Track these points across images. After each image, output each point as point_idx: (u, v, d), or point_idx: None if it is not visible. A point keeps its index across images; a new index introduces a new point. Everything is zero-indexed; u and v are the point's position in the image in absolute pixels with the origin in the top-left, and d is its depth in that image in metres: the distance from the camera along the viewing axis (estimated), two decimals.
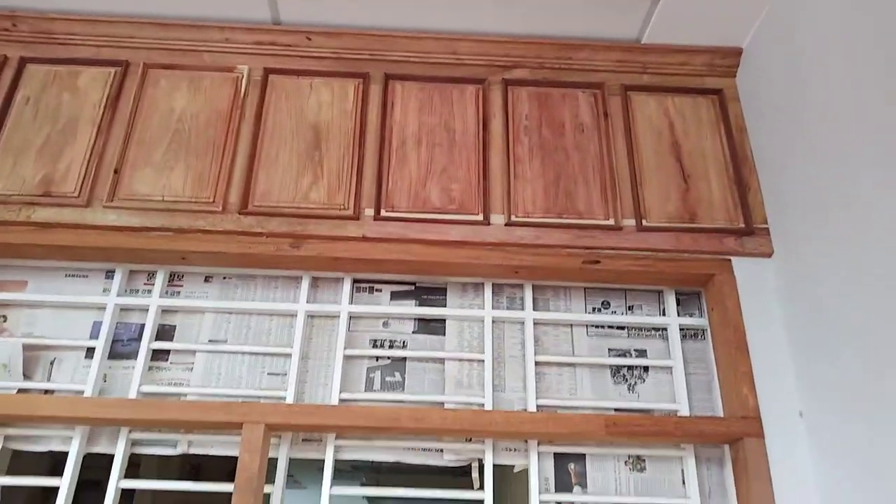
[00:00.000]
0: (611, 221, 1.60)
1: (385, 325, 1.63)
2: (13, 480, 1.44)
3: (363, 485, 4.76)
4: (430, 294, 1.67)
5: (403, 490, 1.48)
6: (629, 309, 1.67)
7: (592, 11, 1.70)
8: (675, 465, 1.51)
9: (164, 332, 1.58)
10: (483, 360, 1.57)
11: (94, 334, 1.55)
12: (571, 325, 1.64)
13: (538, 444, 1.49)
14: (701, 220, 1.61)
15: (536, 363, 1.57)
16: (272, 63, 1.76)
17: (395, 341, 1.61)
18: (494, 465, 1.48)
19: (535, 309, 1.63)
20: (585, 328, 1.64)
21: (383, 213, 1.59)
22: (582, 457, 1.52)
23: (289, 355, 1.55)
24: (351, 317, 1.61)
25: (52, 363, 1.54)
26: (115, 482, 1.42)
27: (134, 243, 1.53)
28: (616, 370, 1.60)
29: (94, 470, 1.51)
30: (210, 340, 1.58)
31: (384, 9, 1.71)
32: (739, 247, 1.59)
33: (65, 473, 1.41)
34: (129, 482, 1.45)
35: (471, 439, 1.50)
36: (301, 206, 1.59)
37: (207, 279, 1.64)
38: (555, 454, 1.51)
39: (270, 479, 1.42)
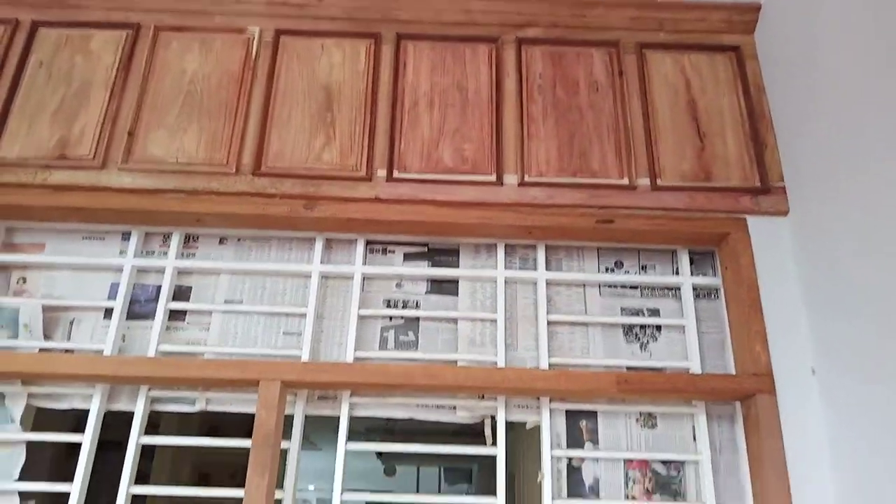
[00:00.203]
0: (625, 181, 1.59)
1: (398, 285, 1.64)
2: (38, 436, 1.48)
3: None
4: (443, 255, 1.67)
5: (418, 446, 1.50)
6: (642, 269, 1.66)
7: None
8: (687, 421, 1.52)
9: (181, 293, 1.60)
10: (495, 320, 1.58)
11: (112, 295, 1.58)
12: (584, 285, 1.64)
13: (550, 401, 1.51)
14: (716, 178, 1.60)
15: (549, 323, 1.58)
16: (283, 24, 1.75)
17: (408, 301, 1.62)
18: (507, 422, 1.50)
19: (547, 269, 1.63)
20: (598, 288, 1.64)
21: (396, 174, 1.59)
22: (594, 414, 1.53)
23: (303, 315, 1.57)
24: (364, 278, 1.62)
25: (71, 323, 1.57)
26: (136, 438, 1.46)
27: (149, 205, 1.55)
28: (628, 329, 1.60)
29: (115, 430, 1.54)
30: (226, 301, 1.60)
31: None
32: (755, 205, 1.58)
33: (86, 430, 1.45)
34: (150, 438, 1.48)
35: (483, 396, 1.51)
36: (314, 167, 1.59)
37: (222, 241, 1.66)
38: (567, 411, 1.52)
39: (287, 435, 1.45)
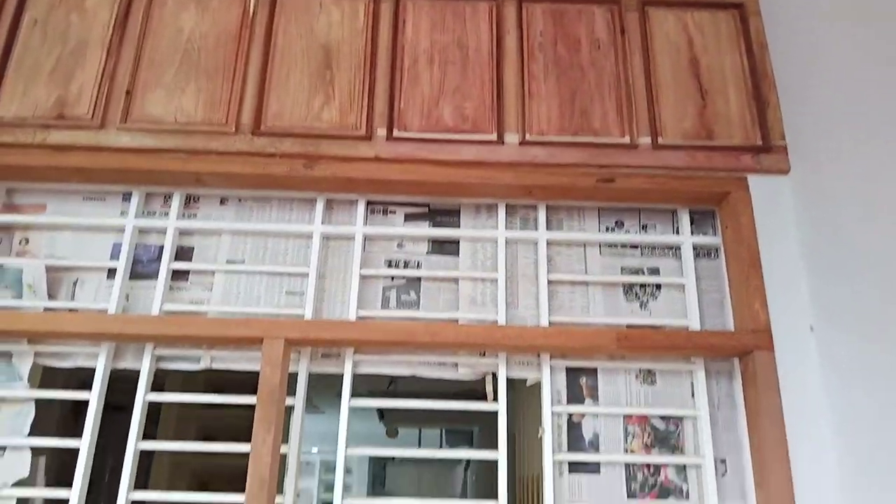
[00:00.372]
0: (626, 139, 1.58)
1: (399, 246, 1.65)
2: (47, 393, 1.50)
3: (379, 410, 4.90)
4: (444, 216, 1.67)
5: (420, 401, 1.52)
6: (643, 228, 1.67)
7: None
8: (685, 378, 1.54)
9: (183, 254, 1.61)
10: (496, 280, 1.59)
11: (115, 256, 1.58)
12: (585, 245, 1.65)
13: (550, 358, 1.53)
14: (718, 137, 1.59)
15: (549, 282, 1.59)
16: None
17: (409, 262, 1.63)
18: (508, 379, 1.52)
19: (548, 230, 1.64)
20: (599, 247, 1.65)
21: (396, 133, 1.58)
22: (594, 371, 1.55)
23: (306, 275, 1.58)
24: (366, 238, 1.63)
25: (74, 284, 1.58)
26: (142, 396, 1.48)
27: (148, 165, 1.54)
28: (628, 288, 1.62)
29: (121, 394, 1.56)
30: (228, 261, 1.61)
31: None
32: (756, 164, 1.57)
33: (93, 388, 1.47)
34: (156, 395, 1.50)
35: (485, 353, 1.53)
36: (313, 126, 1.58)
37: (223, 202, 1.66)
38: (567, 369, 1.54)
39: (291, 392, 1.47)
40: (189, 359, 1.53)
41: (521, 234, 1.63)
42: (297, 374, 1.50)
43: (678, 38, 1.69)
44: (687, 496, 1.47)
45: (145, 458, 1.54)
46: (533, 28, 1.69)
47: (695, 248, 1.63)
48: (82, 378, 1.56)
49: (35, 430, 1.47)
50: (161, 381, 1.53)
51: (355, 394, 1.51)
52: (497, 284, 1.58)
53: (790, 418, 1.39)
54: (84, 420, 1.44)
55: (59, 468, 1.67)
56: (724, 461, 1.48)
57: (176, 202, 1.62)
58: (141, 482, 1.47)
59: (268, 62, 1.64)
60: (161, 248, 1.59)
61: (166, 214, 1.62)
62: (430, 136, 1.58)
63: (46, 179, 1.60)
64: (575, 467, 1.48)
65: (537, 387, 1.53)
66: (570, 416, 1.52)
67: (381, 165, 1.56)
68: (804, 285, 1.50)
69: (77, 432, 1.44)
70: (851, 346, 1.34)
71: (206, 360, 1.52)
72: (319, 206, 1.63)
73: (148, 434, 1.49)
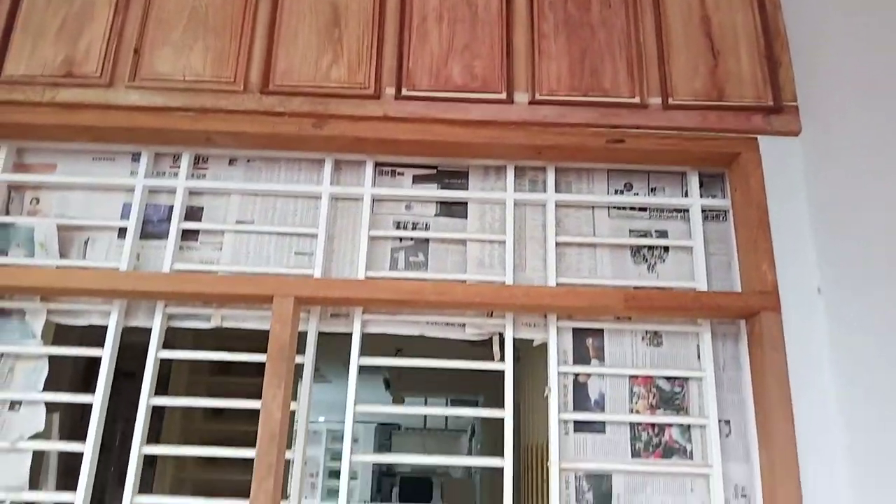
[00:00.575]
0: (636, 99, 1.57)
1: (408, 207, 1.65)
2: (60, 350, 1.52)
3: (386, 379, 4.96)
4: (452, 178, 1.67)
5: (427, 360, 1.54)
6: (652, 191, 1.66)
7: None
8: (692, 340, 1.55)
9: (192, 214, 1.62)
10: (504, 242, 1.59)
11: (125, 215, 1.59)
12: (593, 207, 1.64)
13: (557, 318, 1.53)
14: (729, 96, 1.58)
15: (557, 244, 1.59)
16: None
17: (417, 223, 1.63)
18: (515, 339, 1.53)
19: (557, 192, 1.63)
20: (607, 210, 1.65)
21: (404, 91, 1.57)
22: (600, 332, 1.56)
23: (314, 236, 1.58)
24: (374, 199, 1.63)
25: (85, 243, 1.59)
26: (154, 353, 1.50)
27: (157, 123, 1.54)
28: (636, 250, 1.62)
29: (131, 361, 1.58)
30: (237, 221, 1.61)
31: None
32: (767, 125, 1.56)
33: (105, 344, 1.49)
34: (167, 352, 1.52)
35: (492, 314, 1.54)
36: (322, 85, 1.57)
37: (232, 162, 1.66)
38: (574, 329, 1.55)
39: (300, 351, 1.49)
40: (200, 317, 1.54)
41: (529, 196, 1.63)
42: (306, 334, 1.52)
43: None
44: (691, 456, 1.49)
45: (155, 423, 1.54)
46: None
47: (703, 210, 1.63)
48: (93, 343, 1.58)
49: (49, 385, 1.50)
50: (171, 341, 1.55)
51: (362, 363, 1.52)
52: (505, 246, 1.59)
53: (795, 379, 1.40)
54: (95, 384, 1.46)
55: (71, 426, 1.70)
56: (728, 422, 1.49)
57: (185, 162, 1.62)
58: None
59: (276, 19, 1.63)
60: (170, 209, 1.60)
61: (176, 174, 1.63)
62: (438, 95, 1.57)
63: (56, 138, 1.60)
64: (580, 426, 1.50)
65: (543, 351, 1.54)
66: (577, 376, 1.53)
67: (390, 124, 1.55)
68: (812, 247, 1.50)
69: (89, 392, 1.46)
70: (859, 308, 1.34)
71: (217, 318, 1.53)
72: (328, 166, 1.63)
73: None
